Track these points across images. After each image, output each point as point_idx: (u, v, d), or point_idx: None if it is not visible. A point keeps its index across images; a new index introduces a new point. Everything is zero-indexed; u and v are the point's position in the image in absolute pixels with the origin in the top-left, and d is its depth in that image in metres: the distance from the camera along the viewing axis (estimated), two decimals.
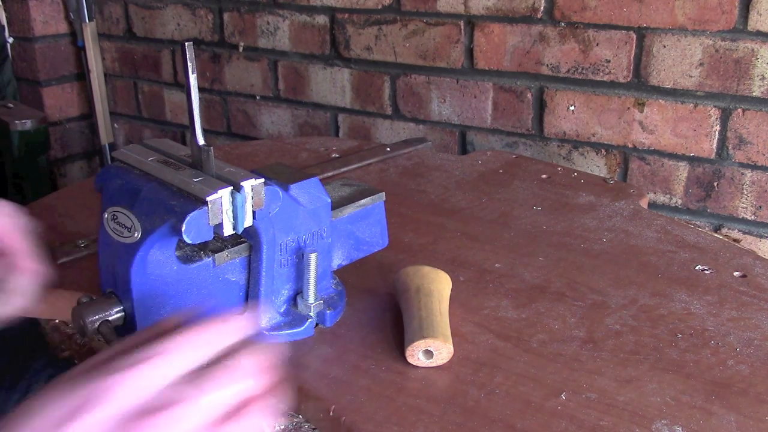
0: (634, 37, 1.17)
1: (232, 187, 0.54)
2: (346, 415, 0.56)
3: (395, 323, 0.67)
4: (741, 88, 1.11)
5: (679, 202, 1.21)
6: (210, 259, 0.59)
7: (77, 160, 1.96)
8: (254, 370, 0.42)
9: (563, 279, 0.75)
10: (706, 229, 1.18)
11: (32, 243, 0.65)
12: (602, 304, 0.71)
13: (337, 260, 0.71)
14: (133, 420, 0.36)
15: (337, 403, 0.57)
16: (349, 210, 0.71)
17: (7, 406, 0.73)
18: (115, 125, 1.93)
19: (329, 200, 0.65)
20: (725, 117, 1.13)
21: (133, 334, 0.43)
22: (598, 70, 1.21)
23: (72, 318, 0.56)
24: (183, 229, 0.51)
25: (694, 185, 1.19)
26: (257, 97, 1.63)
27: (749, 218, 1.16)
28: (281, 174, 0.64)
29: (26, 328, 0.80)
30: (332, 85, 1.50)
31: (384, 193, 0.74)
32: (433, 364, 0.61)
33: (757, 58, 1.08)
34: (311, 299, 0.63)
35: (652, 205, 1.23)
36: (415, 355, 0.60)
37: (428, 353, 0.60)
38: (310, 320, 0.64)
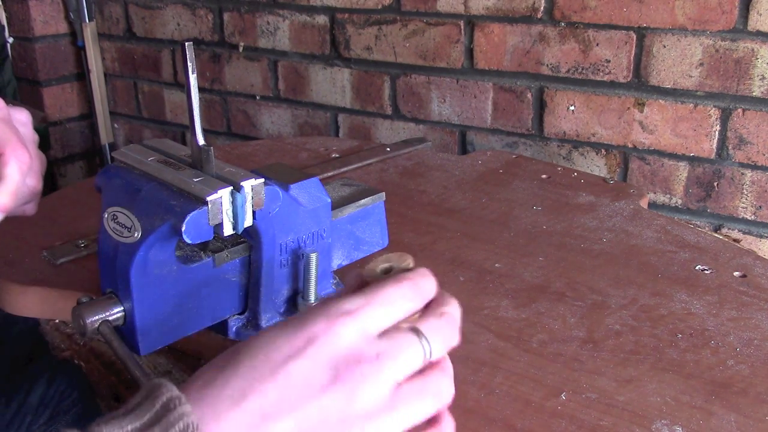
0: (634, 37, 1.17)
1: (232, 187, 0.54)
2: None
3: None
4: (741, 88, 1.11)
5: (679, 202, 1.21)
6: (210, 259, 0.59)
7: (77, 160, 1.96)
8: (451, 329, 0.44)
9: (563, 279, 0.75)
10: (706, 229, 1.18)
11: (20, 132, 0.65)
12: (602, 304, 0.71)
13: (337, 260, 0.71)
14: (344, 363, 0.39)
15: None
16: (349, 210, 0.71)
17: (8, 409, 0.73)
18: (115, 125, 1.93)
19: (329, 200, 0.65)
20: (725, 117, 1.13)
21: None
22: (598, 70, 1.21)
23: (72, 318, 0.56)
24: (183, 229, 0.51)
25: (694, 185, 1.19)
26: (257, 97, 1.63)
27: (749, 218, 1.16)
28: (281, 174, 0.64)
29: (26, 330, 0.81)
30: (332, 85, 1.50)
31: (384, 193, 0.74)
32: None
33: (757, 58, 1.08)
34: (311, 299, 0.63)
35: (652, 205, 1.23)
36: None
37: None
38: None
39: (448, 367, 0.44)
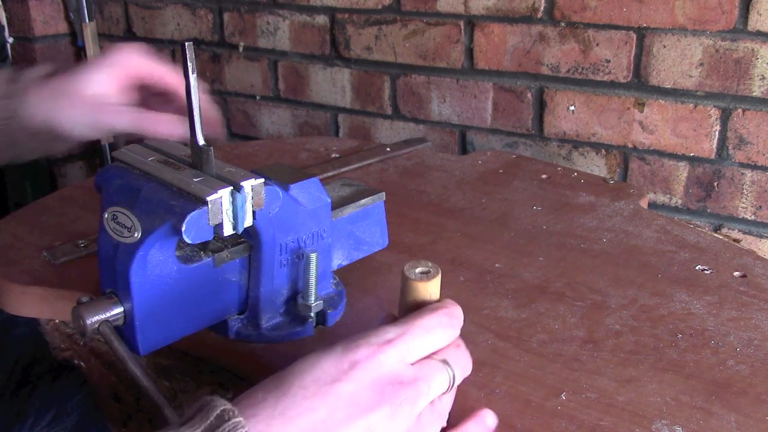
0: (634, 37, 1.17)
1: (232, 187, 0.54)
2: None
3: None
4: (741, 88, 1.11)
5: (679, 202, 1.21)
6: (210, 259, 0.59)
7: (77, 160, 1.96)
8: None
9: (563, 279, 0.75)
10: (706, 229, 1.18)
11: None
12: (602, 304, 0.71)
13: (337, 260, 0.71)
14: (387, 386, 0.43)
15: None
16: (349, 210, 0.71)
17: (10, 411, 0.73)
18: None
19: (329, 200, 0.65)
20: (725, 117, 1.13)
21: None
22: (598, 70, 1.21)
23: (72, 318, 0.56)
24: (183, 229, 0.51)
25: (694, 185, 1.19)
26: (257, 97, 1.63)
27: (749, 218, 1.16)
28: (281, 174, 0.64)
29: (28, 332, 0.81)
30: (332, 85, 1.50)
31: (384, 193, 0.74)
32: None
33: (757, 58, 1.08)
34: (311, 299, 0.63)
35: (652, 205, 1.23)
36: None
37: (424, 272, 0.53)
38: (310, 320, 0.64)
39: (453, 391, 0.49)
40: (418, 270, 0.53)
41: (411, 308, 0.53)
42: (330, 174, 1.04)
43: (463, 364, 0.48)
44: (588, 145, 1.26)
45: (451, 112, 1.38)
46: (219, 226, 0.53)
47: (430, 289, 0.53)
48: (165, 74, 0.76)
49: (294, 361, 0.45)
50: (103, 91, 0.74)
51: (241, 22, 1.58)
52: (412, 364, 0.45)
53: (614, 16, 1.17)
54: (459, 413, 0.56)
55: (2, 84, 0.76)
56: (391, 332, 0.45)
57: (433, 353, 0.47)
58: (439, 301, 0.53)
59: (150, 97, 0.79)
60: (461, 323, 0.50)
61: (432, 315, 0.48)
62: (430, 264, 0.54)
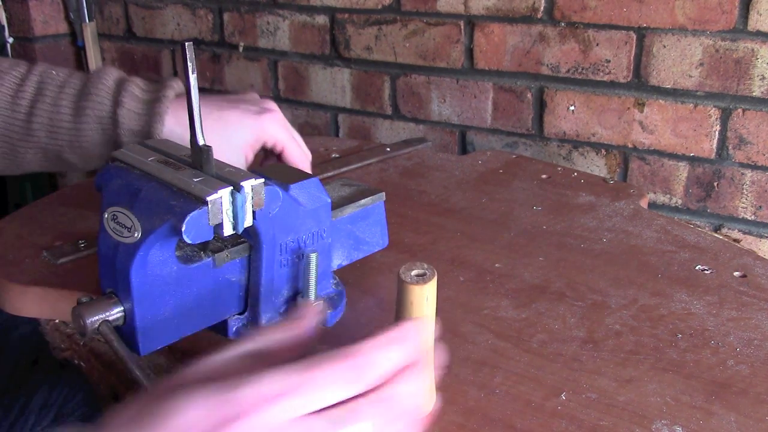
0: (634, 37, 1.17)
1: (232, 187, 0.54)
2: None
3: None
4: (741, 88, 1.11)
5: (679, 202, 1.21)
6: (210, 259, 0.59)
7: None
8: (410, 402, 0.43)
9: (563, 279, 0.75)
10: (706, 229, 1.18)
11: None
12: (602, 304, 0.71)
13: (337, 260, 0.71)
14: None
15: None
16: (349, 210, 0.71)
17: (11, 411, 0.73)
18: None
19: (329, 200, 0.65)
20: (725, 117, 1.13)
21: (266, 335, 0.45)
22: (598, 70, 1.21)
23: (72, 318, 0.56)
24: (183, 229, 0.51)
25: (694, 185, 1.19)
26: None
27: (749, 218, 1.16)
28: (281, 174, 0.64)
29: (29, 332, 0.81)
30: (332, 85, 1.50)
31: (384, 193, 0.74)
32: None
33: (757, 58, 1.08)
34: (311, 299, 0.63)
35: (652, 205, 1.23)
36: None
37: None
38: None
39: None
40: (413, 272, 0.53)
41: (407, 310, 0.53)
42: (330, 174, 1.04)
43: (384, 421, 0.42)
44: (588, 145, 1.26)
45: (451, 112, 1.38)
46: (219, 226, 0.53)
47: (426, 292, 0.53)
48: (292, 151, 0.81)
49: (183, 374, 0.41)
50: (233, 151, 0.78)
51: (241, 22, 1.58)
52: (304, 418, 0.40)
53: (614, 16, 1.17)
54: (458, 414, 0.56)
55: (138, 99, 0.79)
56: (279, 383, 0.40)
57: (335, 406, 0.41)
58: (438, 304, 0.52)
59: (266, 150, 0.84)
60: (380, 372, 0.43)
61: (333, 368, 0.42)
62: (426, 266, 0.53)
